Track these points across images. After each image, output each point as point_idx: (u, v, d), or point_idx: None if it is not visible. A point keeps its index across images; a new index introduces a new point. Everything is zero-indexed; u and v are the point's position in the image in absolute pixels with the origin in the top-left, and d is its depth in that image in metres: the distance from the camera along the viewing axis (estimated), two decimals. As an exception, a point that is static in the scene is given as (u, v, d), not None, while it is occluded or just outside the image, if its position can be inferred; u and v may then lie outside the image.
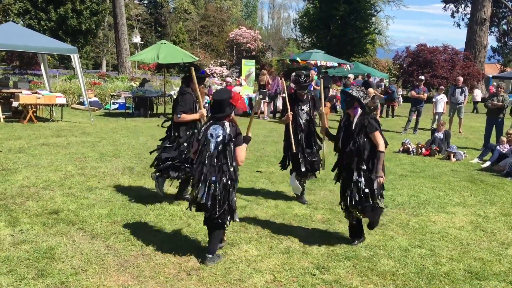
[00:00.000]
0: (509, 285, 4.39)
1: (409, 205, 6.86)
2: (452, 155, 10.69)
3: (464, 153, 11.00)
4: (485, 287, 4.31)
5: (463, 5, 45.33)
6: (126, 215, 5.75)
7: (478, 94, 26.07)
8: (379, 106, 17.43)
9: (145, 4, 53.81)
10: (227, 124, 4.50)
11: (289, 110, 6.32)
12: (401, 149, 11.47)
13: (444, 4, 46.60)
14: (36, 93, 13.89)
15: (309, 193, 7.04)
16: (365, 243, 5.21)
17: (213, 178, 4.41)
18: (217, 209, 4.41)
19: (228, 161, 4.45)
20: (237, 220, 4.71)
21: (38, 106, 14.10)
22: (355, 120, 4.93)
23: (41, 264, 4.29)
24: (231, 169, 4.47)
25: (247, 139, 4.59)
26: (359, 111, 4.94)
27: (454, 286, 4.30)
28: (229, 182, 4.47)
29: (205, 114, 5.98)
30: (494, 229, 5.95)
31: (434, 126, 13.98)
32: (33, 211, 5.71)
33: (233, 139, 4.46)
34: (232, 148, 4.47)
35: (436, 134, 11.62)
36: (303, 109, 6.51)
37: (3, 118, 13.32)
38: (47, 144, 10.03)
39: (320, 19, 38.63)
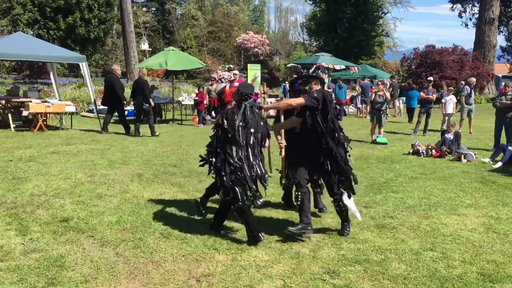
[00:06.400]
0: (523, 287, 4.32)
1: (420, 207, 6.80)
2: (462, 156, 10.58)
3: (475, 154, 10.89)
4: (498, 290, 4.25)
5: (470, 5, 44.96)
6: (135, 222, 5.75)
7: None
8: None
9: (152, 11, 54.11)
10: None
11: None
12: (411, 151, 11.39)
13: (452, 5, 46.30)
14: (46, 101, 14.05)
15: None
16: (375, 247, 5.16)
17: None
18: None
19: None
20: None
21: (48, 115, 14.21)
22: None
23: (51, 273, 4.30)
24: None
25: None
26: None
27: (467, 290, 4.24)
28: None
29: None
30: (506, 231, 5.87)
31: (444, 127, 13.88)
32: (43, 220, 5.74)
33: None
34: None
35: (446, 135, 11.52)
36: None
37: (14, 127, 13.46)
38: (57, 152, 10.10)
39: (327, 22, 38.70)
